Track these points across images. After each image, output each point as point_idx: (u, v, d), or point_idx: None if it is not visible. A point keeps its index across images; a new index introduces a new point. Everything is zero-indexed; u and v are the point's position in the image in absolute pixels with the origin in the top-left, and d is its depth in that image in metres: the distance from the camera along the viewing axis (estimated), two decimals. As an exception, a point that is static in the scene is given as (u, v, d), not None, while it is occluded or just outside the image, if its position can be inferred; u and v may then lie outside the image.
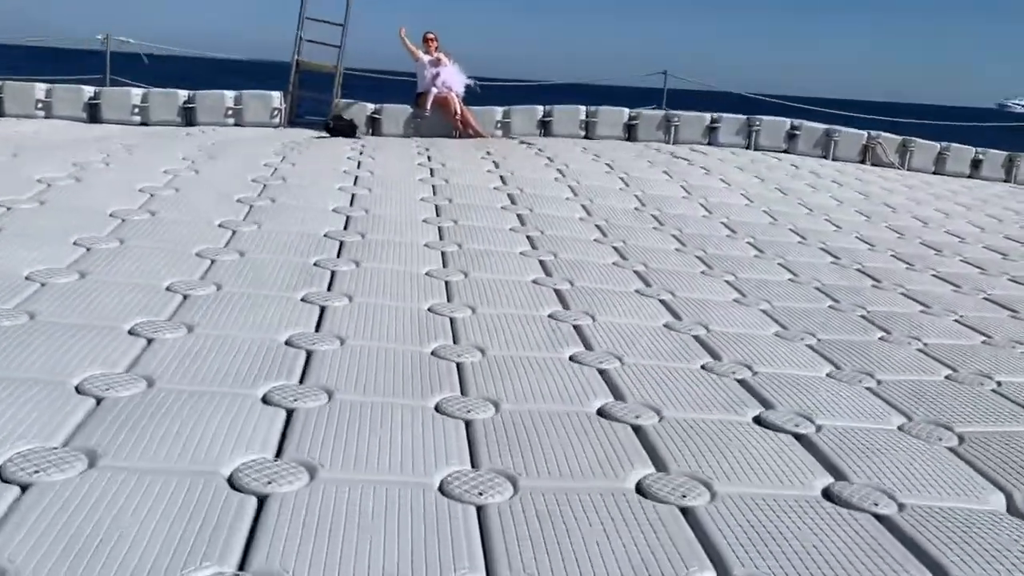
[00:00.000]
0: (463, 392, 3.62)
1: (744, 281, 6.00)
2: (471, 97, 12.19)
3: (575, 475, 3.00)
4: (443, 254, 5.87)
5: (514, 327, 4.49)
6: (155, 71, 15.43)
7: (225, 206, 6.53)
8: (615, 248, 6.57)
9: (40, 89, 11.57)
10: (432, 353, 4.02)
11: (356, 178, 8.24)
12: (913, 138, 14.07)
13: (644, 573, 2.46)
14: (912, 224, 9.01)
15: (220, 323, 4.12)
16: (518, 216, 7.30)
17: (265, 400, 3.34)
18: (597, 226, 7.25)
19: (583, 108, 12.76)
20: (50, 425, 2.93)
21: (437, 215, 7.08)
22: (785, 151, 13.29)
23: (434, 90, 11.66)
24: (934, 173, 13.72)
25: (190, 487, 2.64)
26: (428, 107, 11.66)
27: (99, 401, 3.17)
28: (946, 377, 4.46)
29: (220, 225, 6.00)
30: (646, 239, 7.00)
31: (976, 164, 14.10)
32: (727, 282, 5.95)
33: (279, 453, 2.95)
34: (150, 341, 3.79)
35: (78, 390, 3.24)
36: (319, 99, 12.43)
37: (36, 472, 2.63)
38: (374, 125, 11.93)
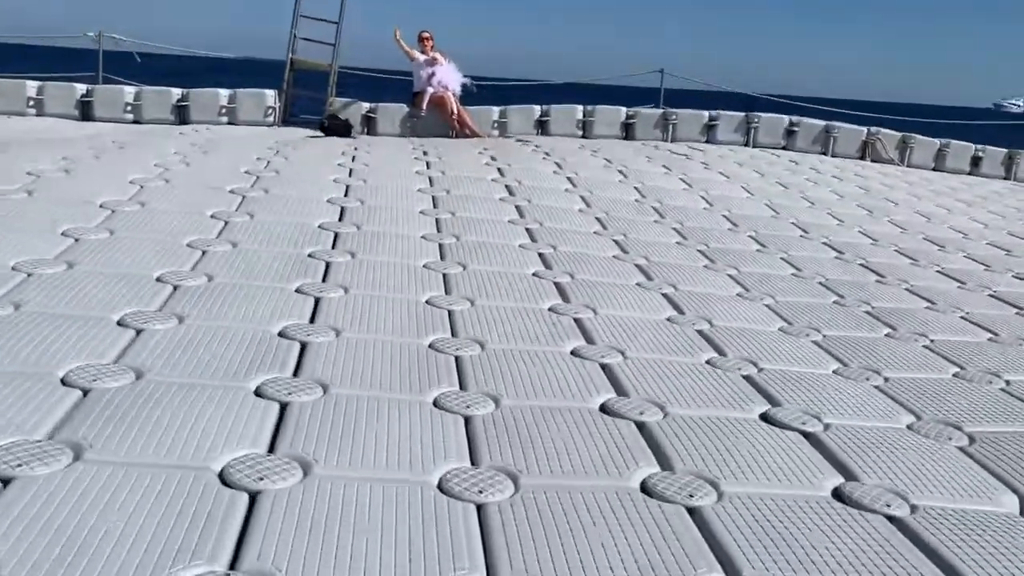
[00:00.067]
0: (462, 387, 3.53)
1: (747, 275, 5.91)
2: (467, 96, 12.07)
3: (578, 473, 2.90)
4: (441, 246, 5.77)
5: (514, 320, 4.40)
6: (148, 69, 15.31)
7: (217, 197, 6.43)
8: (615, 241, 6.48)
9: (31, 86, 11.44)
10: (430, 346, 3.92)
11: (351, 171, 8.13)
12: (913, 134, 14.00)
13: (651, 574, 2.37)
14: (914, 219, 8.93)
15: (212, 314, 4.02)
16: (516, 208, 7.20)
17: (258, 393, 3.23)
18: (597, 219, 7.15)
19: (580, 107, 12.66)
20: (34, 417, 2.83)
21: (434, 206, 6.98)
22: (784, 148, 13.22)
23: (430, 89, 11.53)
24: (933, 170, 13.66)
25: (179, 482, 2.54)
26: (424, 107, 11.52)
27: (85, 393, 3.07)
28: (954, 375, 4.37)
29: (212, 216, 5.89)
30: (647, 232, 6.91)
31: (976, 161, 14.04)
32: (730, 276, 5.86)
33: (272, 448, 2.85)
34: (139, 332, 3.69)
35: (63, 382, 3.14)
36: (314, 98, 12.30)
37: (19, 466, 2.53)
38: (369, 124, 11.79)
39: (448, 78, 11.68)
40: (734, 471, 3.01)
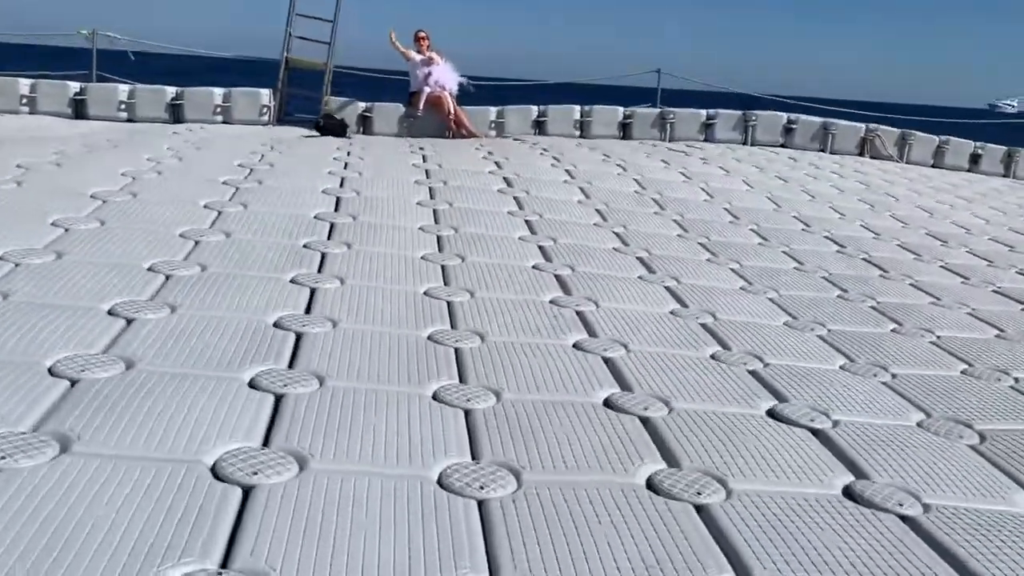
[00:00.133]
0: (462, 380, 3.44)
1: (749, 269, 5.83)
2: (464, 96, 11.94)
3: (582, 469, 2.81)
4: (438, 238, 5.68)
5: (514, 312, 4.31)
6: (143, 68, 15.15)
7: (210, 188, 6.34)
8: (616, 233, 6.40)
9: (24, 84, 11.32)
10: (429, 338, 3.83)
11: (346, 164, 8.04)
12: (912, 131, 13.94)
13: (658, 573, 2.29)
14: (916, 214, 8.87)
15: (205, 304, 3.93)
16: (515, 199, 7.12)
17: (252, 385, 3.14)
18: (597, 210, 7.07)
19: (578, 108, 12.57)
20: (19, 408, 2.74)
21: (431, 197, 6.88)
22: (782, 145, 13.14)
23: (427, 89, 11.40)
24: (932, 166, 13.60)
25: (170, 476, 2.45)
26: (421, 107, 11.39)
27: (73, 383, 2.98)
28: (962, 372, 4.29)
29: (205, 206, 5.80)
30: (647, 224, 6.83)
31: (975, 159, 13.99)
32: (732, 270, 5.78)
33: (266, 441, 2.75)
34: (130, 321, 3.60)
35: (51, 372, 3.05)
36: (309, 97, 12.17)
37: (2, 458, 2.43)
38: (365, 123, 11.65)
39: (445, 78, 11.55)
40: (742, 468, 2.93)
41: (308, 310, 4.04)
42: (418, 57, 11.51)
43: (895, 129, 13.90)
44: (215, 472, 2.52)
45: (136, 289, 4.01)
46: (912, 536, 2.64)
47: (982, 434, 3.50)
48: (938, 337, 4.81)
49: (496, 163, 8.77)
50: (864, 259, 6.57)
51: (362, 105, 11.68)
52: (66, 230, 4.88)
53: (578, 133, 12.44)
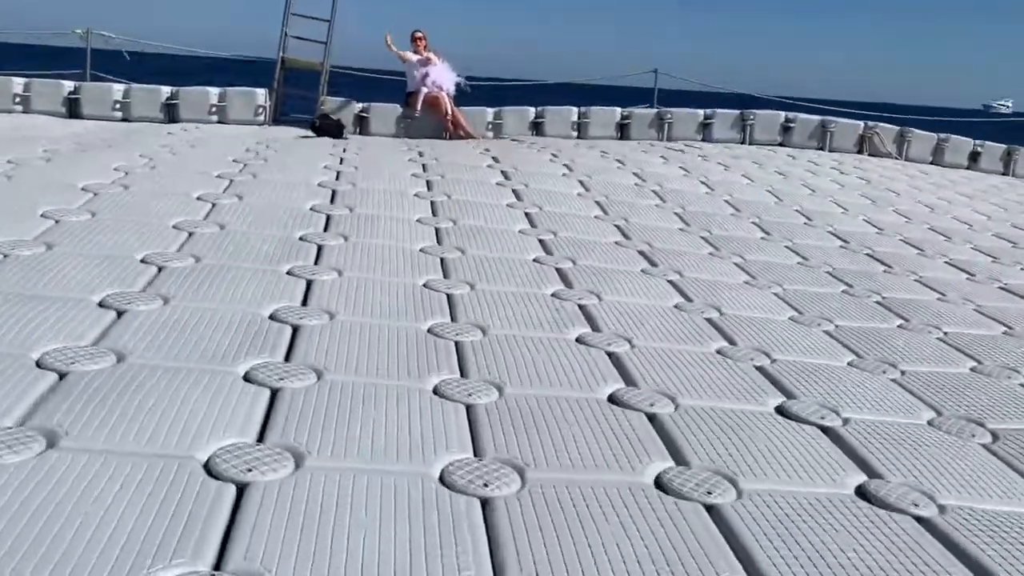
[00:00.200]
0: (463, 374, 3.34)
1: (752, 263, 5.75)
2: (461, 96, 11.83)
3: (588, 467, 2.72)
4: (437, 230, 5.59)
5: (516, 305, 4.22)
6: (138, 67, 15.02)
7: (204, 181, 6.24)
8: (617, 226, 6.32)
9: (18, 83, 11.19)
10: (429, 331, 3.74)
11: (342, 159, 7.94)
12: (910, 128, 13.87)
13: (668, 574, 2.20)
14: (918, 209, 8.80)
15: (199, 295, 3.84)
16: (514, 192, 7.04)
17: (247, 378, 3.05)
18: (597, 202, 6.99)
19: (575, 109, 12.49)
20: (5, 402, 2.65)
21: (429, 189, 6.79)
22: (780, 144, 13.07)
23: (424, 90, 11.29)
24: (931, 164, 13.53)
25: (161, 473, 2.35)
26: (419, 107, 11.26)
27: (62, 376, 2.88)
28: (971, 369, 4.21)
29: (198, 198, 5.70)
30: (648, 217, 6.76)
31: (974, 156, 13.92)
32: (735, 264, 5.70)
33: (261, 437, 2.66)
34: (121, 313, 3.50)
35: (39, 364, 2.95)
36: (305, 96, 12.04)
37: (-13, 453, 2.33)
38: (362, 124, 11.53)
39: (442, 78, 11.42)
40: (752, 467, 2.84)
41: (305, 302, 3.95)
42: (415, 58, 11.37)
43: (893, 127, 13.84)
44: (208, 469, 2.42)
45: (128, 281, 3.91)
46: (928, 538, 2.56)
47: (994, 433, 3.42)
48: (945, 333, 4.73)
49: (494, 158, 8.68)
50: (868, 254, 6.50)
51: (358, 105, 11.55)
52: (56, 222, 4.78)
53: (576, 134, 12.36)
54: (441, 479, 2.54)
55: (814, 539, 2.44)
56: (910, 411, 3.55)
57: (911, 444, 3.19)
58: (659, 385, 3.43)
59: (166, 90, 11.30)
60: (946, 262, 6.60)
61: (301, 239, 5.00)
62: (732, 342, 4.11)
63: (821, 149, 13.03)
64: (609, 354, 3.72)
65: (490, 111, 12.01)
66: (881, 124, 13.73)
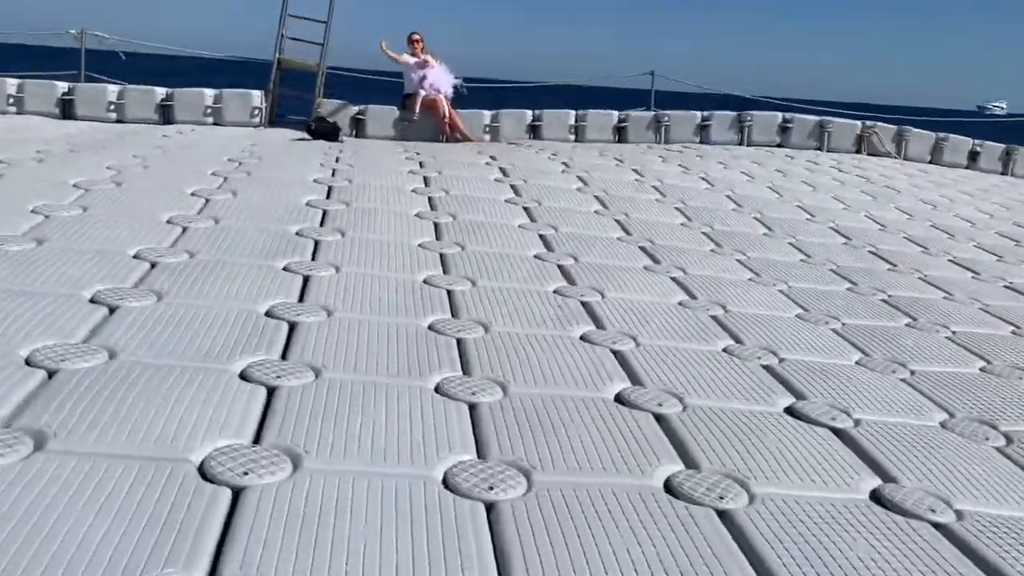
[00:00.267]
0: (465, 371, 3.25)
1: (755, 260, 5.67)
2: (457, 99, 11.73)
3: (595, 469, 2.63)
4: (436, 225, 5.51)
5: (518, 302, 4.13)
6: (134, 68, 14.88)
7: (198, 177, 6.15)
8: (617, 221, 6.24)
9: (11, 84, 11.07)
10: (430, 327, 3.65)
11: (338, 157, 7.85)
12: (908, 127, 13.82)
13: (680, 584, 2.12)
14: (919, 207, 8.74)
15: (193, 292, 3.74)
16: (512, 187, 6.96)
17: (243, 376, 2.95)
18: (596, 197, 6.92)
19: (572, 112, 12.41)
20: (-10, 401, 2.54)
21: (426, 185, 6.70)
22: (778, 145, 13.01)
23: (422, 92, 11.18)
24: (930, 163, 13.48)
25: (153, 476, 2.26)
26: (417, 110, 11.13)
27: (51, 374, 2.78)
28: (981, 369, 4.13)
29: (192, 194, 5.61)
30: (649, 212, 6.68)
31: (973, 156, 13.87)
32: (738, 261, 5.62)
33: (258, 438, 2.56)
34: (113, 309, 3.41)
35: (27, 362, 2.85)
36: (301, 98, 11.92)
37: (-30, 455, 2.24)
38: (358, 126, 11.40)
39: (440, 81, 11.31)
40: (763, 470, 2.76)
41: (302, 298, 3.86)
42: (412, 60, 11.26)
43: (891, 126, 13.78)
44: (202, 472, 2.33)
45: (120, 276, 3.82)
46: (946, 544, 2.48)
47: (1008, 436, 3.34)
48: (953, 333, 4.65)
49: (491, 155, 8.60)
50: (871, 252, 6.42)
51: (355, 108, 11.43)
52: (46, 217, 4.69)
53: (573, 137, 12.28)
54: (444, 482, 2.45)
55: (830, 546, 2.36)
56: (922, 412, 3.47)
57: (924, 447, 3.11)
58: (666, 384, 3.35)
59: (161, 91, 11.19)
60: (950, 260, 6.53)
61: (298, 234, 4.92)
62: (739, 340, 4.02)
63: (819, 149, 12.97)
64: (614, 352, 3.63)
65: (487, 114, 11.92)
66: (879, 123, 13.68)
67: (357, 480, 2.38)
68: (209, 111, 11.21)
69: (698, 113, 12.95)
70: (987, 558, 2.42)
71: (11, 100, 10.99)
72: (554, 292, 4.39)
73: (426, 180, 6.92)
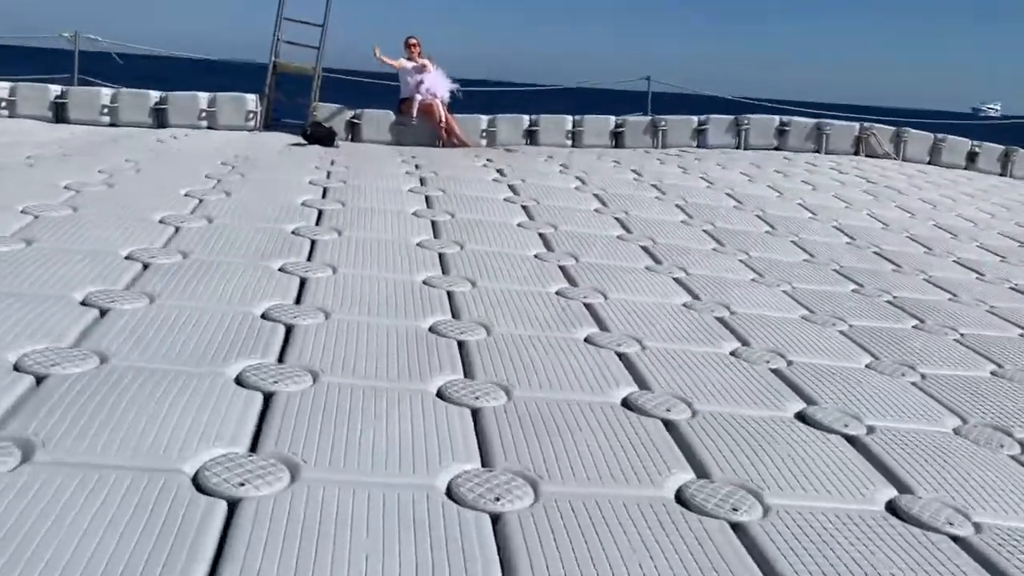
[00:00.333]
0: (468, 375, 3.17)
1: (758, 260, 5.61)
2: (453, 103, 11.63)
3: (605, 479, 2.55)
4: (434, 224, 5.42)
5: (519, 303, 4.05)
6: (128, 71, 14.75)
7: (191, 178, 6.06)
8: (617, 219, 6.17)
9: (3, 87, 10.95)
10: (430, 329, 3.56)
11: (333, 160, 7.77)
12: (906, 128, 13.77)
13: (695, 601, 2.03)
14: (921, 207, 8.69)
15: (186, 293, 3.65)
16: (510, 187, 6.88)
17: (239, 381, 2.87)
18: (596, 195, 6.85)
19: (570, 117, 12.33)
20: (-25, 408, 2.45)
21: (423, 184, 6.61)
22: (776, 148, 12.95)
23: (419, 97, 11.06)
24: (928, 164, 13.43)
25: (146, 488, 2.17)
26: (414, 114, 11.01)
27: (40, 380, 2.69)
28: (991, 373, 4.06)
29: (186, 194, 5.51)
30: (649, 210, 6.61)
31: (972, 157, 13.82)
32: (741, 261, 5.55)
33: (254, 447, 2.48)
34: (104, 312, 3.32)
35: (15, 367, 2.76)
36: (297, 102, 11.80)
37: (-45, 466, 2.14)
38: (353, 131, 11.29)
39: (437, 85, 11.19)
40: (776, 479, 2.68)
41: (298, 300, 3.77)
42: (409, 64, 11.14)
43: (889, 127, 13.74)
44: (197, 483, 2.24)
45: (111, 278, 3.73)
46: (966, 559, 2.40)
47: (1023, 443, 3.26)
48: (962, 335, 4.58)
49: (489, 159, 8.54)
50: (875, 252, 6.36)
51: (350, 112, 11.31)
52: (36, 217, 4.60)
53: (570, 143, 12.21)
54: (448, 492, 2.37)
55: (849, 561, 2.28)
56: (934, 418, 3.39)
57: (939, 455, 3.03)
58: (673, 389, 3.27)
59: (155, 95, 11.07)
60: (954, 261, 6.47)
61: (293, 233, 4.83)
62: (745, 343, 3.95)
63: (817, 151, 12.91)
64: (619, 355, 3.55)
65: (484, 119, 11.83)
66: (877, 125, 13.63)
67: (358, 491, 2.29)
68: (203, 115, 11.10)
69: (695, 117, 12.90)
70: (1009, 573, 2.34)
71: (3, 104, 10.87)
72: (556, 293, 4.32)
73: (423, 180, 6.84)
